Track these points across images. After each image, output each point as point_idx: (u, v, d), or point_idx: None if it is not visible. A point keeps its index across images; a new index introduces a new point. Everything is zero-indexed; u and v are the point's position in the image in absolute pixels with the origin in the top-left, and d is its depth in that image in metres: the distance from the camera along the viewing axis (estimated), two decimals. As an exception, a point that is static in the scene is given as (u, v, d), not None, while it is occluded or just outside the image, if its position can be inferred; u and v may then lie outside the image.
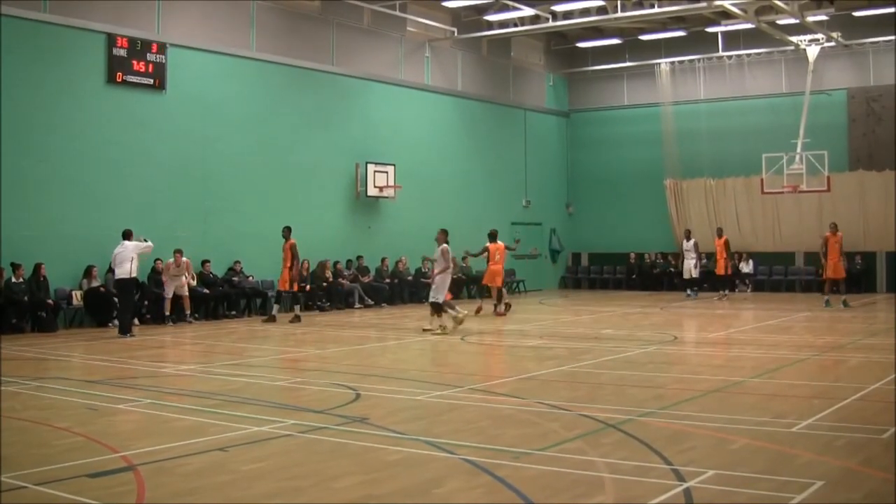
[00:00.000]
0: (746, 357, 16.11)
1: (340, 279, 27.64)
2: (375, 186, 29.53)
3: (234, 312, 24.73)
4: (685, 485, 7.32)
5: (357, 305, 27.76)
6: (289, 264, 22.92)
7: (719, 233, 31.19)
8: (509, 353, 18.09)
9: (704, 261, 33.44)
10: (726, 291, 31.00)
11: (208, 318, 24.04)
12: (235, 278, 25.12)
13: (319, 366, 15.34)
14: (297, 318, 23.11)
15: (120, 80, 23.26)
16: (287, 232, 23.10)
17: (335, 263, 27.77)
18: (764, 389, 12.50)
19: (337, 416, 10.50)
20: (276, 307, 24.06)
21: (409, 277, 30.06)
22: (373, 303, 28.32)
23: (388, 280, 29.31)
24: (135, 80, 23.57)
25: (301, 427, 9.76)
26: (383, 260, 29.54)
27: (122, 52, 23.27)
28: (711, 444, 8.86)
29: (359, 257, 28.83)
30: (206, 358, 16.31)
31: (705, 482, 7.41)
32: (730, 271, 31.22)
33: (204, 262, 24.47)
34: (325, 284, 27.05)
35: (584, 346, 17.72)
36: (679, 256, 32.66)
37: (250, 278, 25.60)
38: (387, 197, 29.97)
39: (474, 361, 17.04)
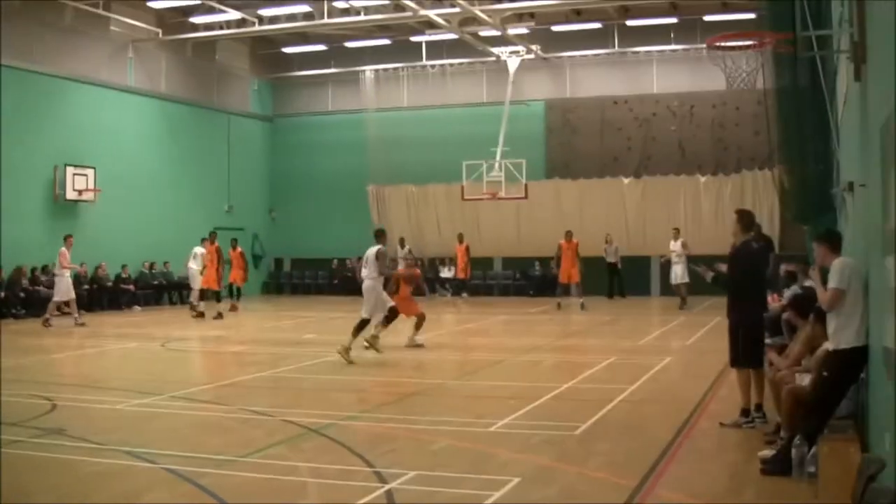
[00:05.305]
0: (447, 360, 16.45)
1: (38, 286, 26.18)
2: (75, 190, 28.25)
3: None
4: (387, 486, 7.36)
5: (55, 313, 26.24)
6: (216, 265, 25.76)
7: (460, 238, 32.31)
8: (211, 359, 17.81)
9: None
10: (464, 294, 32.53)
11: None
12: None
13: (14, 376, 14.40)
14: (220, 315, 25.22)
15: None
16: (213, 237, 26.24)
17: (32, 270, 26.33)
18: (464, 391, 12.79)
19: (31, 428, 9.94)
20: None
21: (109, 284, 28.91)
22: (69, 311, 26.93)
23: (86, 286, 27.92)
24: None
25: (-11, 441, 9.15)
26: (82, 265, 28.12)
27: None
28: (413, 446, 8.96)
29: (54, 264, 27.35)
30: None
31: (407, 483, 7.48)
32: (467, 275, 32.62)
33: None
34: (21, 293, 25.58)
35: (286, 350, 17.59)
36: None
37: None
38: (87, 200, 28.71)
39: (176, 368, 16.60)
